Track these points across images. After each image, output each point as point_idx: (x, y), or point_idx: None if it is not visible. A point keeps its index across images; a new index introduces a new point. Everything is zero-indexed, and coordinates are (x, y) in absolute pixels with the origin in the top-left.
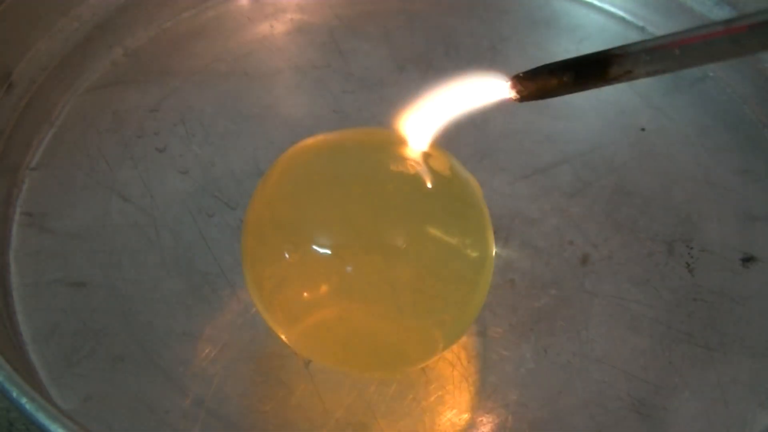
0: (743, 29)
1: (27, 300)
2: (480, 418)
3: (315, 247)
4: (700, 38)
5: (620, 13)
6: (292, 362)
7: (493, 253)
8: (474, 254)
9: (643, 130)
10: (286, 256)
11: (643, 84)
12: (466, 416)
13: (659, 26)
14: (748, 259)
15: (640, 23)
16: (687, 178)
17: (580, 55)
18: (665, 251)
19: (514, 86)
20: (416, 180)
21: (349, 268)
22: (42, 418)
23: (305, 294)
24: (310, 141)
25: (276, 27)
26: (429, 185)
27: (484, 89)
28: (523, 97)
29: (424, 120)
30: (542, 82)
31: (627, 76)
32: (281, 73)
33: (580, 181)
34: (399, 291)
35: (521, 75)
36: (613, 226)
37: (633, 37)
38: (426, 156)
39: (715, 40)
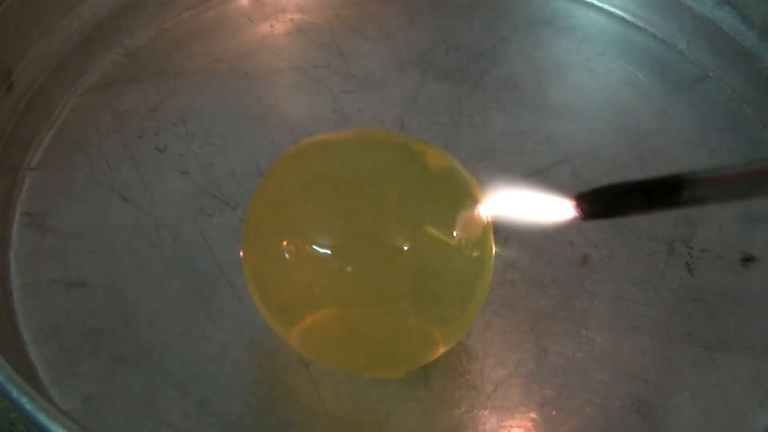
0: None
1: (27, 300)
2: (480, 418)
3: (315, 247)
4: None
5: (620, 13)
6: (292, 362)
7: (493, 253)
8: (474, 254)
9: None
10: (286, 256)
11: (643, 84)
12: (466, 416)
13: (659, 26)
14: (748, 259)
15: (641, 23)
16: None
17: (649, 178)
18: (665, 251)
19: (577, 206)
20: (416, 180)
21: (349, 268)
22: (42, 418)
23: (305, 294)
24: (310, 141)
25: (276, 27)
26: (429, 185)
27: (547, 206)
28: (587, 217)
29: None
30: (608, 202)
31: (698, 202)
32: (281, 73)
33: (580, 181)
34: (399, 291)
35: (586, 194)
36: (613, 226)
37: (633, 37)
38: (426, 156)
39: None
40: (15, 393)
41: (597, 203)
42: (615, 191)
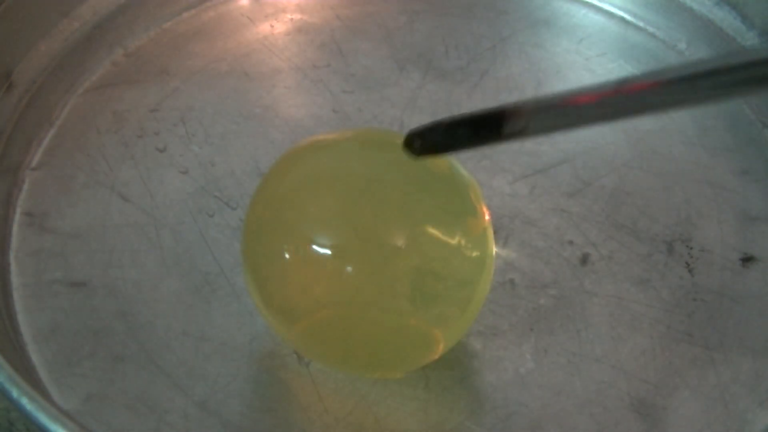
0: (633, 90)
1: (27, 300)
2: (480, 418)
3: (315, 247)
4: (593, 98)
5: (620, 13)
6: (292, 362)
7: (493, 253)
8: (474, 254)
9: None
10: (286, 256)
11: None
12: (466, 416)
13: (659, 26)
14: (748, 259)
15: (640, 23)
16: (687, 178)
17: (475, 111)
18: (665, 251)
19: (411, 143)
20: (416, 180)
21: (349, 268)
22: (42, 418)
23: (305, 294)
24: (310, 141)
25: (276, 27)
26: (429, 185)
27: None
28: (420, 153)
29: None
30: (437, 138)
31: (521, 133)
32: (281, 73)
33: (580, 181)
34: (399, 291)
35: (419, 131)
36: (613, 226)
37: (633, 37)
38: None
39: (607, 100)
40: (15, 393)
41: (428, 138)
42: (444, 126)
